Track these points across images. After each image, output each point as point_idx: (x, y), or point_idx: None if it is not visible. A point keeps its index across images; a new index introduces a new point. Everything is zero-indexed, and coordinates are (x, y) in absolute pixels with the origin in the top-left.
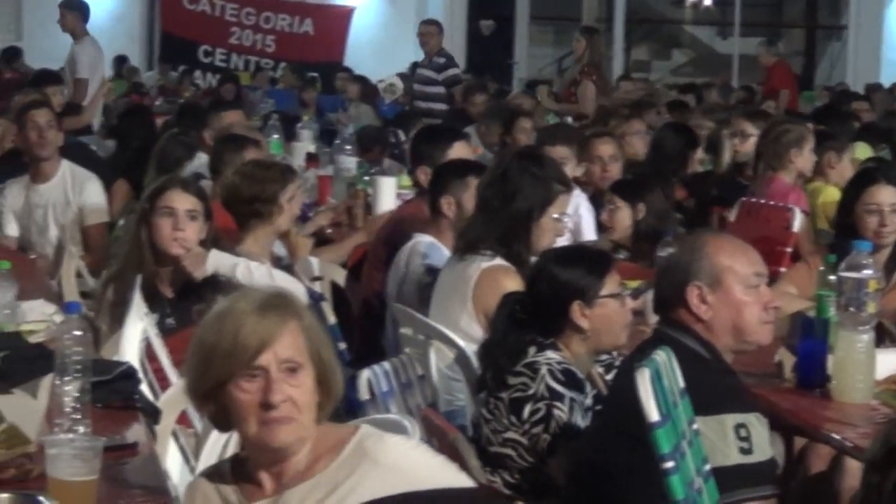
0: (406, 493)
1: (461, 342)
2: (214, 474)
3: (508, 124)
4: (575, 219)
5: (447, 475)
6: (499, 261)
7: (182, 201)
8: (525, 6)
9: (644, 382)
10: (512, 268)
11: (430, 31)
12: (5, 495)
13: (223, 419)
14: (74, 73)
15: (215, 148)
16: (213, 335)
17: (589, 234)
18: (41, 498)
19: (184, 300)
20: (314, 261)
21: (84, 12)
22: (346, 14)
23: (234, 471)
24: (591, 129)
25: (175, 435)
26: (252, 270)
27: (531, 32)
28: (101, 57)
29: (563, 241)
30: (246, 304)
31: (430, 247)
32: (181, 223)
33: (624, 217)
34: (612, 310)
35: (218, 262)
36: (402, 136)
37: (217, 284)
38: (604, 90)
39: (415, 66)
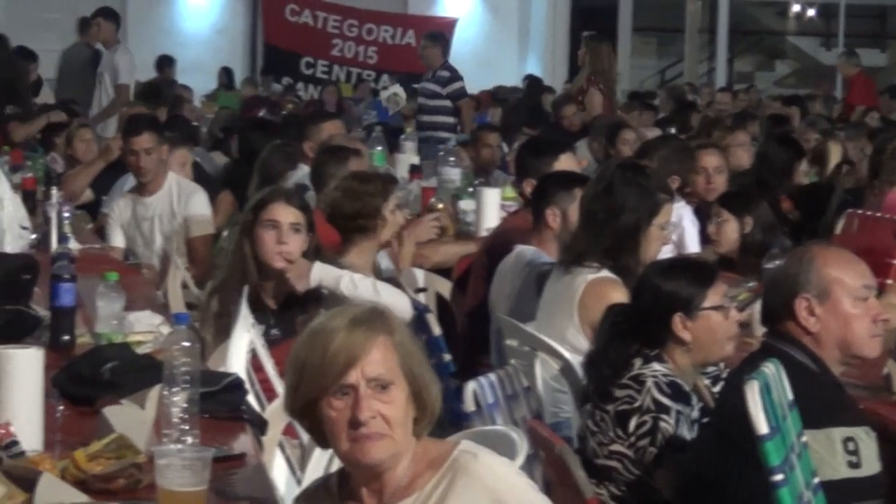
0: None
1: (567, 354)
2: (321, 489)
3: (612, 136)
4: (678, 231)
5: (534, 501)
6: (605, 273)
7: (286, 214)
8: (628, 17)
9: (753, 395)
10: (618, 280)
11: (428, 45)
12: None
13: (319, 435)
14: (116, 80)
15: (317, 159)
16: (305, 351)
17: (693, 246)
18: None
19: (288, 311)
20: (419, 272)
21: (117, 21)
22: (448, 26)
23: (339, 486)
24: (696, 141)
25: (281, 446)
26: (356, 283)
27: (634, 43)
28: (134, 64)
29: (666, 254)
30: (338, 321)
31: (536, 254)
32: (285, 237)
33: (731, 230)
34: (715, 322)
35: (322, 274)
36: (506, 148)
37: (320, 297)
38: (610, 97)
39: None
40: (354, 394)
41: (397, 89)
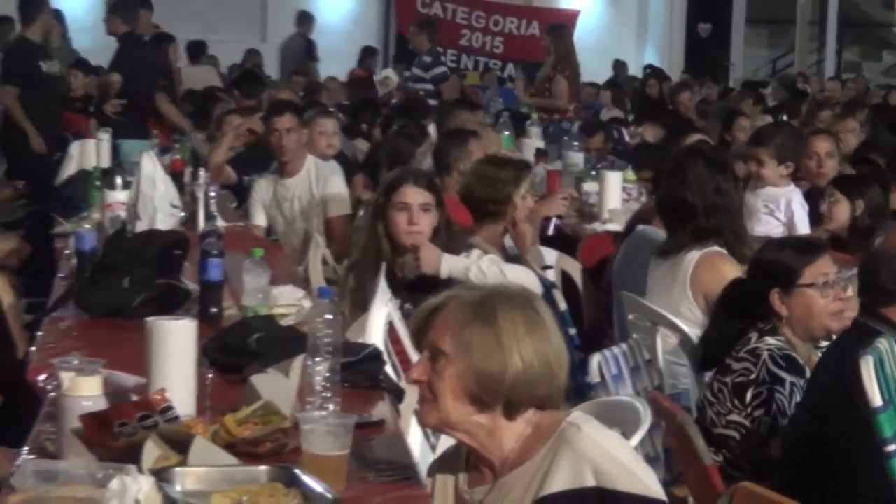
0: (596, 489)
1: (686, 328)
2: (452, 456)
3: (728, 123)
4: (787, 213)
5: (635, 473)
6: (713, 247)
7: (415, 195)
8: (741, 9)
9: (868, 369)
10: (725, 252)
11: (415, 32)
12: (263, 467)
13: None
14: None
15: (438, 144)
16: None
17: (802, 227)
18: (296, 471)
19: (421, 287)
20: (545, 250)
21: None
22: (571, 17)
23: (468, 455)
24: (808, 128)
25: (415, 414)
26: (485, 272)
27: (747, 34)
28: None
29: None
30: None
31: (654, 233)
32: (415, 217)
33: (843, 210)
34: (812, 299)
35: (452, 267)
36: (627, 133)
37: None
38: (575, 83)
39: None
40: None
41: (389, 73)
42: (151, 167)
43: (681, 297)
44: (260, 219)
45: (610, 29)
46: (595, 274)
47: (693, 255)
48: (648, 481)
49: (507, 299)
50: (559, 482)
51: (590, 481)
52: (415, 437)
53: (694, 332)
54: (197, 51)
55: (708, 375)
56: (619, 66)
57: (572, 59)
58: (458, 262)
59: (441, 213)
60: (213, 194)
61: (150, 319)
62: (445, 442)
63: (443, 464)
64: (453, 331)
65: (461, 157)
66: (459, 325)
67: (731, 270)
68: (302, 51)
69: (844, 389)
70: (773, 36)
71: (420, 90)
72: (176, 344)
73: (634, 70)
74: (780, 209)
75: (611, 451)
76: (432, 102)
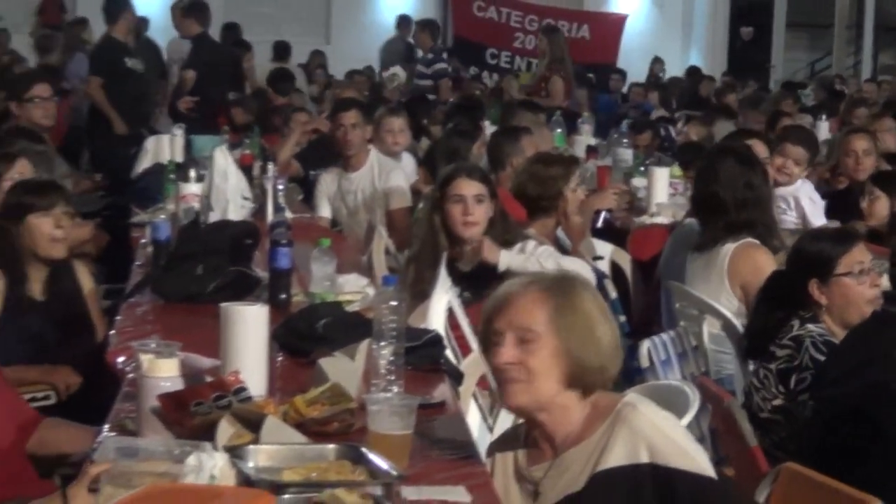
0: (650, 465)
1: (731, 316)
2: (511, 436)
3: (773, 122)
4: (798, 210)
5: (687, 451)
6: (747, 238)
7: (469, 188)
8: (782, 14)
9: None
10: (759, 243)
11: (419, 31)
12: (331, 446)
13: None
14: None
15: (491, 141)
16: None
17: (816, 220)
18: (363, 449)
19: (478, 276)
20: (596, 242)
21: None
22: (619, 21)
23: (526, 436)
24: (846, 127)
25: (475, 396)
26: (542, 263)
27: (787, 38)
28: None
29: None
30: (513, 278)
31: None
32: (470, 208)
33: (882, 206)
34: (848, 287)
35: (510, 262)
36: (673, 131)
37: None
38: (569, 82)
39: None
40: (502, 341)
41: (397, 70)
42: (223, 161)
43: (719, 289)
44: (325, 210)
45: (655, 32)
46: (647, 266)
47: (728, 248)
48: (700, 459)
49: (581, 285)
50: (615, 458)
51: (644, 458)
52: (473, 416)
53: (737, 321)
54: (284, 52)
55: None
56: (656, 62)
57: (566, 59)
58: (516, 257)
59: (496, 205)
60: (280, 187)
61: (224, 305)
62: (502, 421)
63: (502, 444)
64: (545, 313)
65: (514, 153)
66: (552, 308)
67: (766, 260)
68: (402, 53)
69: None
70: (812, 39)
71: (422, 85)
72: (249, 328)
73: (678, 71)
74: (791, 207)
75: (665, 430)
76: (431, 97)
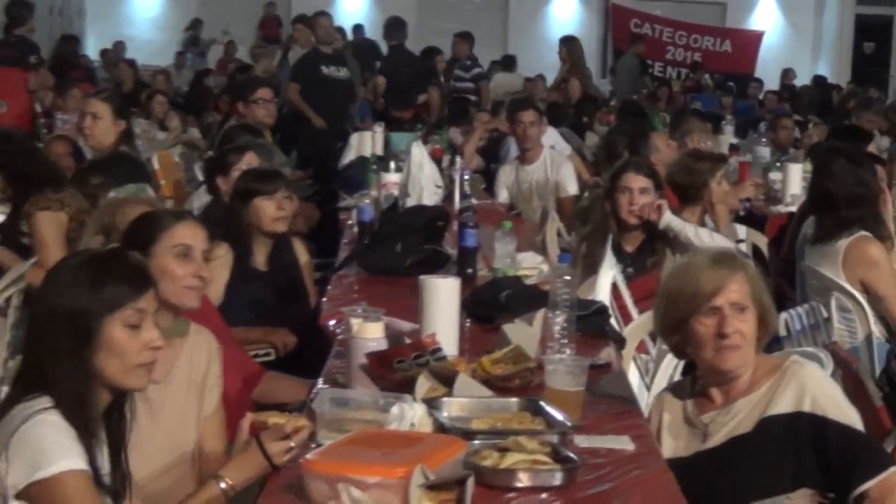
0: (810, 414)
1: (857, 293)
2: (677, 388)
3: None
4: None
5: (842, 407)
6: (860, 232)
7: (637, 181)
8: None
9: None
10: (871, 236)
11: (458, 41)
12: (513, 399)
13: (682, 348)
14: None
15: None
16: (677, 284)
17: None
18: (541, 402)
19: (640, 254)
20: (739, 227)
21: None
22: (757, 36)
23: (691, 388)
24: None
25: (635, 359)
26: (698, 233)
27: None
28: None
29: None
30: (701, 260)
31: None
32: (636, 198)
33: None
34: None
35: (670, 220)
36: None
37: (667, 240)
38: (585, 84)
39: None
40: (720, 314)
41: None
42: (419, 154)
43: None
44: (503, 197)
45: (788, 46)
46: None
47: (842, 244)
48: (851, 414)
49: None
50: (782, 406)
51: (807, 407)
52: (633, 376)
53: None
54: (510, 62)
55: None
56: (787, 73)
57: (582, 65)
58: (676, 219)
59: (660, 195)
60: (466, 177)
61: (423, 277)
62: (659, 381)
63: (674, 393)
64: (754, 292)
65: (650, 151)
66: (759, 288)
67: (878, 252)
68: (637, 67)
69: None
70: None
71: (462, 87)
72: (444, 297)
73: (808, 81)
74: None
75: (826, 385)
76: (473, 98)
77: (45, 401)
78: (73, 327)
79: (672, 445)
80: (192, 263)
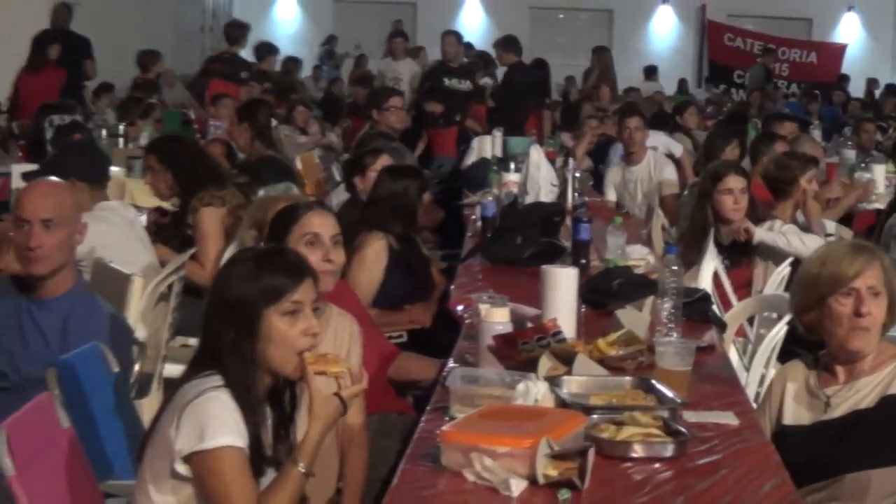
0: None
1: None
2: (801, 362)
3: None
4: None
5: None
6: None
7: (736, 182)
8: None
9: None
10: None
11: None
12: (627, 378)
13: (814, 327)
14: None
15: (753, 143)
16: (818, 266)
17: None
18: (652, 381)
19: (735, 248)
20: (829, 222)
21: None
22: (840, 49)
23: (815, 363)
24: None
25: (734, 342)
26: (789, 240)
27: None
28: None
29: None
30: (842, 248)
31: None
32: (738, 199)
33: None
34: None
35: (764, 237)
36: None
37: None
38: (614, 91)
39: None
40: (857, 295)
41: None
42: (537, 156)
43: None
44: (611, 195)
45: (870, 58)
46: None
47: None
48: None
49: None
50: None
51: None
52: (733, 358)
53: None
54: (652, 73)
55: None
56: (870, 83)
57: (611, 72)
58: (766, 233)
59: (750, 197)
60: (577, 176)
61: (544, 267)
62: (758, 361)
63: (798, 366)
64: (888, 281)
65: (768, 153)
66: (892, 277)
67: None
68: (763, 76)
69: None
70: None
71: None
72: (563, 285)
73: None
74: None
75: None
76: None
77: (217, 379)
78: (238, 318)
79: (794, 413)
80: (320, 249)
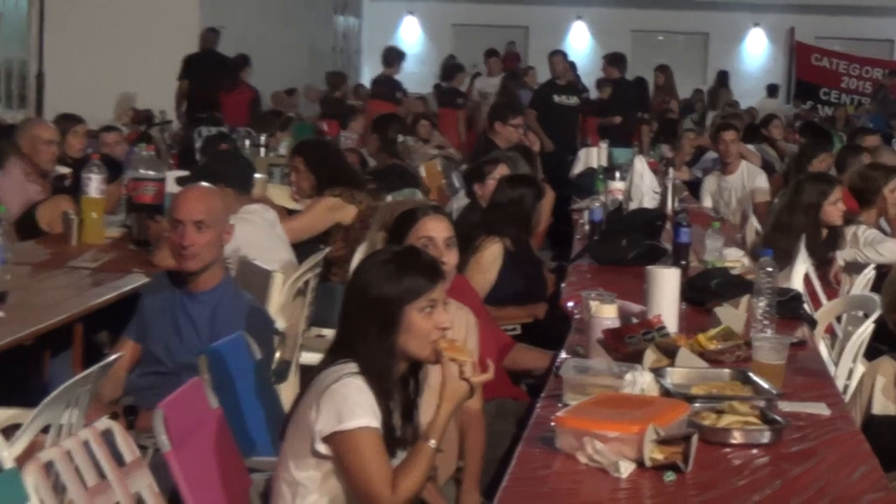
0: None
1: None
2: (892, 358)
3: None
4: None
5: None
6: None
7: (840, 194)
8: None
9: None
10: None
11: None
12: (726, 370)
13: None
14: None
15: (840, 153)
16: None
17: None
18: (749, 373)
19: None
20: None
21: None
22: None
23: None
24: None
25: (823, 338)
26: (863, 252)
27: None
28: None
29: None
30: None
31: None
32: (840, 207)
33: None
34: None
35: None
36: None
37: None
38: (677, 102)
39: None
40: None
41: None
42: (641, 166)
43: None
44: (707, 202)
45: None
46: None
47: None
48: None
49: None
50: None
51: None
52: (822, 352)
53: None
54: (774, 90)
55: None
56: None
57: (674, 89)
58: (849, 252)
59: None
60: (676, 185)
61: (650, 267)
62: (845, 358)
63: (888, 361)
64: None
65: (854, 163)
66: None
67: None
68: (889, 97)
69: None
70: None
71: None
72: (667, 284)
73: None
74: None
75: None
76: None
77: (353, 366)
78: (381, 314)
79: (883, 404)
80: (434, 251)
